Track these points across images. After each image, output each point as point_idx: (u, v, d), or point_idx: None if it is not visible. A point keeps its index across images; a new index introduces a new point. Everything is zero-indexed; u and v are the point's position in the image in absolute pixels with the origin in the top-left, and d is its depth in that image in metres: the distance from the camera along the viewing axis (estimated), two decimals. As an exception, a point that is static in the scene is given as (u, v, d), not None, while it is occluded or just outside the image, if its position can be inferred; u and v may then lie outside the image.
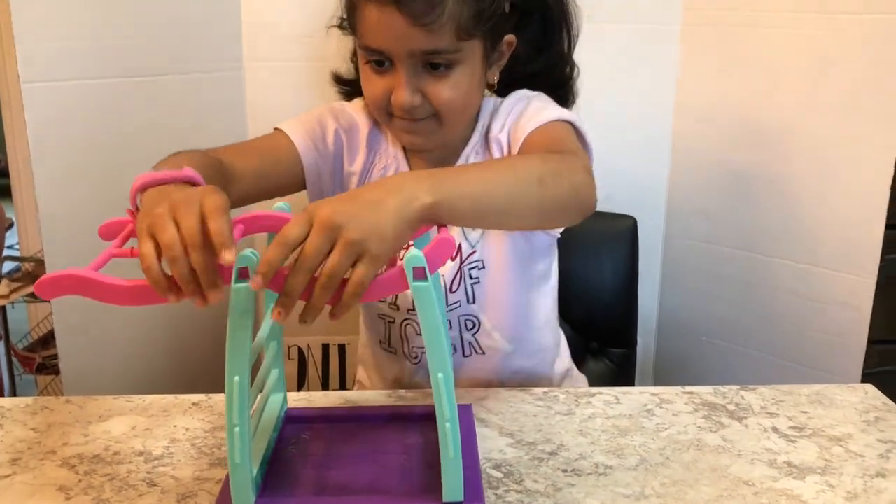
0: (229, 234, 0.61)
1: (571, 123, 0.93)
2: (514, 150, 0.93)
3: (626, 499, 0.73)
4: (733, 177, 1.31)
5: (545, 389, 0.94)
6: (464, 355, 1.02)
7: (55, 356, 1.21)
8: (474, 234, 0.99)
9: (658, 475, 0.76)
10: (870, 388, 0.95)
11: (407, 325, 1.03)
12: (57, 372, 1.23)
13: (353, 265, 0.62)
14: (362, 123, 1.02)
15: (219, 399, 0.91)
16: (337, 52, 1.29)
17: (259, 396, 0.76)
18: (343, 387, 1.42)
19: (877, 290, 1.18)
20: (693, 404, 0.90)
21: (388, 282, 0.64)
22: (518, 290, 1.02)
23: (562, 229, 1.02)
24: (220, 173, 0.84)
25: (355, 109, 1.04)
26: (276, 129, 1.00)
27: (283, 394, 0.83)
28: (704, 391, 0.93)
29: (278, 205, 0.76)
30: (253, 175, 0.92)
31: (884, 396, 0.93)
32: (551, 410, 0.89)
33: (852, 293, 1.19)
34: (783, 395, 0.92)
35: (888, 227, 1.15)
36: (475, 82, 0.93)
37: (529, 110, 0.95)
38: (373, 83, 0.93)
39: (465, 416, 0.82)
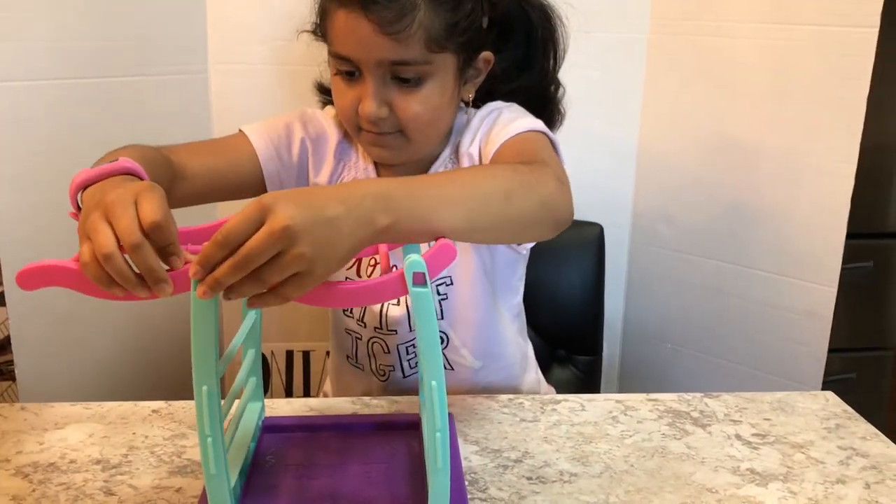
0: (174, 238, 0.59)
1: (544, 134, 0.91)
2: (485, 163, 0.91)
3: (590, 506, 0.72)
4: (699, 185, 1.32)
5: (511, 396, 0.94)
6: None
7: (11, 362, 1.18)
8: None
9: (622, 482, 0.76)
10: (830, 395, 0.96)
11: (374, 342, 1.01)
12: (13, 378, 1.20)
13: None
14: (332, 133, 1.00)
15: (179, 406, 0.90)
16: (304, 56, 1.28)
17: (235, 404, 0.75)
18: (307, 394, 1.41)
19: (837, 298, 1.19)
20: (657, 411, 0.91)
21: (387, 286, 0.63)
22: (485, 305, 1.01)
23: (531, 245, 1.01)
24: (167, 169, 0.82)
25: (326, 118, 1.02)
26: (240, 130, 0.98)
27: (261, 402, 0.82)
28: (669, 398, 0.94)
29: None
30: (206, 174, 0.90)
31: (844, 404, 0.94)
32: (516, 418, 0.89)
33: (814, 302, 1.21)
34: (746, 403, 0.93)
35: (849, 236, 1.16)
36: (446, 98, 0.91)
37: (500, 121, 0.93)
38: (342, 94, 0.91)
39: (449, 425, 0.82)
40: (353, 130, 0.93)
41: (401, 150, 0.92)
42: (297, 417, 0.87)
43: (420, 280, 0.62)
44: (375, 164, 0.99)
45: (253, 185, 0.96)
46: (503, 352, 1.04)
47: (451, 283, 0.98)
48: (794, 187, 1.21)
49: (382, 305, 0.99)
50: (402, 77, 0.87)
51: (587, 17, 1.07)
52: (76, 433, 0.84)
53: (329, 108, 1.04)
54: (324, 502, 0.70)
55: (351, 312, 1.02)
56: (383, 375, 1.02)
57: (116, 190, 0.62)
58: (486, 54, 0.93)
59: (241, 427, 0.76)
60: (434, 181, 0.71)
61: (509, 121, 0.92)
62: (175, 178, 0.83)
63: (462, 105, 0.96)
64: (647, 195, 1.38)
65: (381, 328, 1.00)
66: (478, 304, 1.00)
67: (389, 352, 1.00)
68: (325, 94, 1.05)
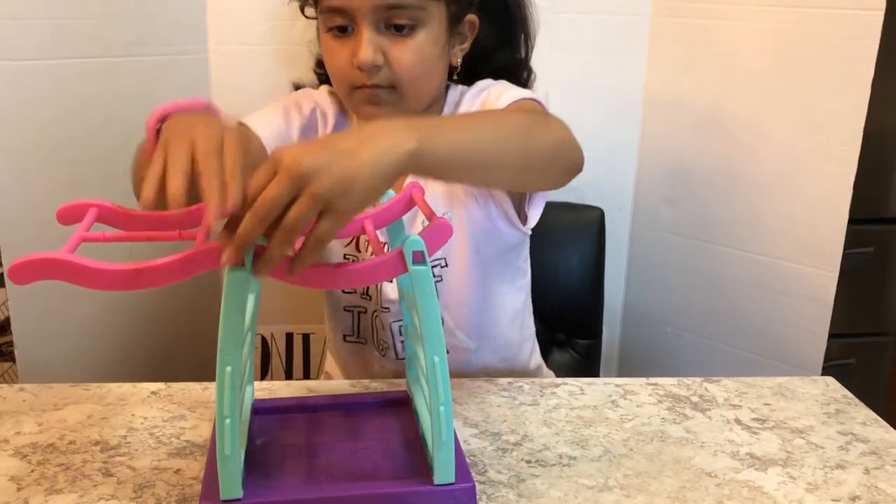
0: (239, 172, 0.58)
1: (538, 102, 0.92)
2: None
3: (589, 490, 0.72)
4: (700, 169, 1.31)
5: (510, 380, 0.93)
6: None
7: (10, 343, 1.18)
8: None
9: (621, 466, 0.76)
10: (831, 380, 0.96)
11: (377, 316, 1.01)
12: (12, 359, 1.20)
13: (318, 217, 0.58)
14: (329, 113, 1.01)
15: (178, 388, 0.90)
16: (303, 36, 1.27)
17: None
18: (307, 377, 1.41)
19: (838, 284, 1.19)
20: (657, 396, 0.90)
21: (386, 266, 0.63)
22: (482, 288, 1.00)
23: (532, 224, 0.99)
24: None
25: (322, 96, 1.02)
26: (240, 123, 0.95)
27: (252, 386, 0.82)
28: (668, 382, 0.94)
29: None
30: None
31: (844, 389, 0.94)
32: (516, 401, 0.89)
33: (815, 287, 1.21)
34: (746, 387, 0.93)
35: (851, 221, 1.16)
36: (437, 51, 0.92)
37: (493, 93, 0.95)
38: (335, 52, 0.91)
39: None
40: (346, 91, 0.93)
41: (394, 107, 0.92)
42: (284, 399, 0.86)
43: (419, 258, 0.62)
44: None
45: None
46: (499, 332, 1.04)
47: (446, 265, 0.97)
48: (796, 172, 1.20)
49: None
50: (396, 24, 0.88)
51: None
52: (75, 414, 0.84)
53: (323, 87, 1.03)
54: (330, 480, 0.71)
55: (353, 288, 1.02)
56: (383, 351, 1.02)
57: (207, 118, 0.64)
58: (472, 17, 0.95)
59: (243, 410, 0.76)
60: (453, 118, 0.76)
61: (502, 92, 0.94)
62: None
63: (452, 76, 0.98)
64: (648, 179, 1.37)
65: (387, 305, 1.00)
66: (474, 285, 1.00)
67: (384, 328, 1.01)
68: (323, 69, 1.04)
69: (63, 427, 0.81)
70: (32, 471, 0.73)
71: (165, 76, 1.24)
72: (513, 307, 1.05)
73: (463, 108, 0.97)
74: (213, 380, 0.90)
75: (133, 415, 0.84)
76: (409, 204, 0.76)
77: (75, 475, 0.73)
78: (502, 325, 1.04)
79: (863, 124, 1.12)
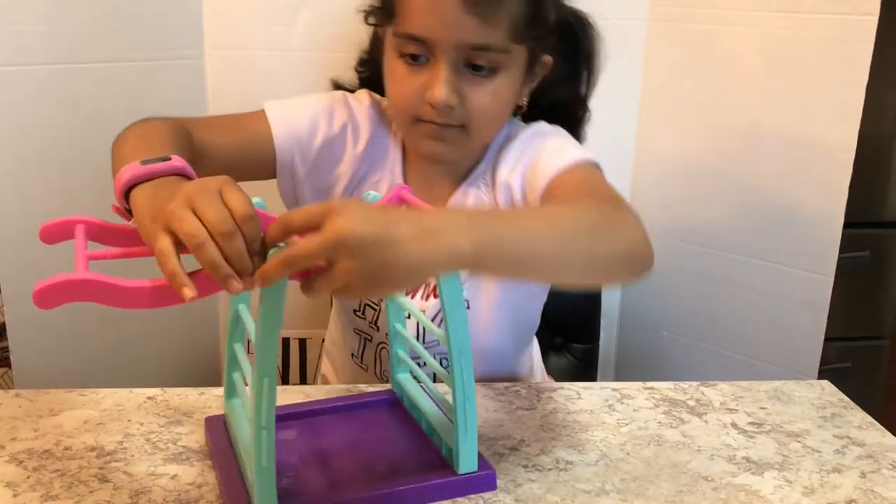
0: (260, 235, 0.57)
1: (596, 165, 0.87)
2: (533, 198, 0.87)
3: (586, 494, 0.72)
4: (696, 174, 1.31)
5: (507, 384, 0.93)
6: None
7: (6, 349, 1.18)
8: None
9: (618, 471, 0.76)
10: (826, 384, 0.96)
11: (383, 348, 1.00)
12: (8, 365, 1.20)
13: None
14: (363, 129, 0.94)
15: (174, 393, 0.89)
16: (300, 41, 1.27)
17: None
18: (304, 381, 1.41)
19: (834, 287, 1.19)
20: (654, 400, 0.91)
21: None
22: (502, 335, 0.98)
23: None
24: (189, 148, 0.78)
25: (359, 110, 0.95)
26: (263, 109, 0.93)
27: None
28: (665, 387, 0.94)
29: (255, 199, 0.72)
30: (226, 153, 0.86)
31: (840, 393, 0.94)
32: (512, 405, 0.88)
33: (811, 290, 1.21)
34: (742, 391, 0.93)
35: (846, 225, 1.16)
36: (512, 95, 0.88)
37: (546, 151, 0.88)
38: (404, 79, 0.85)
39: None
40: (407, 121, 0.87)
41: (458, 146, 0.88)
42: (286, 406, 0.85)
43: None
44: (403, 168, 0.95)
45: (270, 169, 0.92)
46: (507, 371, 1.02)
47: (468, 308, 0.93)
48: (792, 176, 1.21)
49: None
50: (476, 64, 0.83)
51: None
52: (71, 420, 0.83)
53: (362, 95, 0.97)
54: (349, 481, 0.72)
55: (363, 314, 1.00)
56: (387, 381, 1.00)
57: (197, 181, 0.60)
58: (547, 58, 0.91)
59: None
60: (516, 213, 0.69)
61: (557, 150, 0.88)
62: (196, 156, 0.78)
63: (515, 113, 0.93)
64: (644, 183, 1.37)
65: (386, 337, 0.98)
66: (494, 332, 0.97)
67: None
68: (367, 69, 1.01)
69: (59, 433, 0.81)
70: (28, 477, 0.73)
71: (162, 81, 1.24)
72: (528, 353, 1.05)
73: (508, 160, 0.91)
74: (210, 385, 0.91)
75: (129, 420, 0.84)
76: (400, 204, 0.76)
77: (71, 481, 0.73)
78: (510, 365, 1.02)
79: (858, 128, 1.12)
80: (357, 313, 1.00)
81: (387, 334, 0.96)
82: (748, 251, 1.28)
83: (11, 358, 1.18)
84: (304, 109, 0.94)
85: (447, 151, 0.89)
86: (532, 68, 0.89)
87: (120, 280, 0.58)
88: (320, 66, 1.28)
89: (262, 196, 0.67)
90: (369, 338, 1.01)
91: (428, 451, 0.76)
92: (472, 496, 0.72)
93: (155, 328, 1.32)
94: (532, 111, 0.96)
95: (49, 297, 0.56)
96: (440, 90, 0.82)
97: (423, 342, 0.97)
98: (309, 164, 0.93)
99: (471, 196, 0.94)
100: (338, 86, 1.02)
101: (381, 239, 0.55)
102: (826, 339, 1.22)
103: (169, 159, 0.68)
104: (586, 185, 0.83)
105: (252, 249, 0.56)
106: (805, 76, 1.16)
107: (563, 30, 0.92)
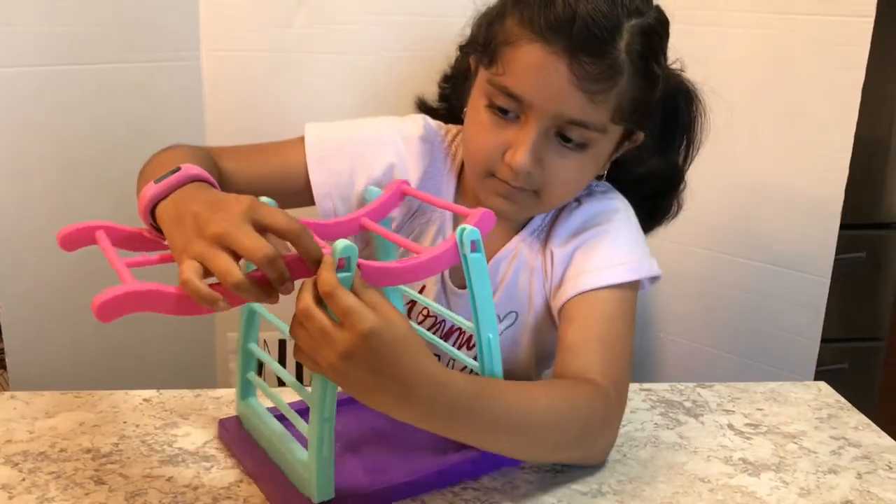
0: (318, 248, 0.61)
1: (629, 287, 0.84)
2: (556, 299, 0.85)
3: (583, 496, 0.72)
4: (692, 174, 1.31)
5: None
6: None
7: (1, 350, 1.18)
8: (499, 325, 0.89)
9: (615, 472, 0.76)
10: (823, 385, 0.96)
11: None
12: (3, 367, 1.20)
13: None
14: (413, 167, 0.89)
15: (170, 395, 0.89)
16: (297, 43, 1.27)
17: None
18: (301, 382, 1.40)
19: (830, 289, 1.19)
20: (650, 401, 0.91)
21: (443, 258, 0.68)
22: (519, 365, 0.95)
23: None
24: (212, 171, 0.74)
25: (409, 149, 0.89)
26: (301, 138, 0.88)
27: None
28: (661, 388, 0.94)
29: (265, 199, 0.70)
30: (254, 184, 0.84)
31: (836, 394, 0.94)
32: (509, 407, 0.88)
33: (807, 292, 1.21)
34: (739, 393, 0.93)
35: (843, 226, 1.16)
36: (596, 169, 0.84)
37: (595, 255, 0.85)
38: (488, 132, 0.80)
39: None
40: (480, 173, 0.82)
41: (527, 209, 0.85)
42: (293, 403, 0.83)
43: (474, 247, 0.69)
44: (454, 219, 0.90)
45: (303, 201, 0.89)
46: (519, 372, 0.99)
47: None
48: (787, 177, 1.21)
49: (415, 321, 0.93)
50: (567, 136, 0.78)
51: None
52: (67, 422, 0.83)
53: (416, 122, 0.91)
54: (384, 465, 0.74)
55: None
56: None
57: (215, 217, 0.60)
58: (640, 135, 0.85)
59: None
60: (509, 403, 0.68)
61: (603, 264, 0.84)
62: (221, 185, 0.76)
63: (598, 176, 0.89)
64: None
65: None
66: (513, 362, 0.93)
67: None
68: (426, 111, 0.97)
69: (54, 435, 0.81)
70: (24, 479, 0.73)
71: (158, 82, 1.24)
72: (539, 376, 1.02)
73: (574, 221, 0.88)
74: (205, 387, 0.91)
75: (125, 422, 0.83)
76: (400, 197, 0.79)
77: (67, 483, 0.73)
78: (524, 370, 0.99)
79: (854, 130, 1.13)
80: None
81: None
82: (744, 252, 1.28)
83: (7, 360, 1.17)
84: (345, 149, 0.89)
85: (515, 212, 0.84)
86: (622, 144, 0.85)
87: (173, 288, 0.58)
88: (317, 68, 1.28)
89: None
90: None
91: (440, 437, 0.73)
92: (469, 499, 0.71)
93: (151, 331, 1.32)
94: (624, 180, 0.92)
95: (111, 309, 0.57)
96: (523, 156, 0.77)
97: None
98: (352, 207, 0.88)
99: (521, 254, 0.90)
100: (423, 103, 0.99)
101: (384, 376, 0.61)
102: (822, 341, 1.22)
103: (179, 169, 0.68)
104: (601, 336, 0.79)
105: (313, 259, 0.60)
106: (801, 77, 1.17)
107: (666, 101, 0.87)
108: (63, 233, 0.68)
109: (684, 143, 0.93)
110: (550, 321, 0.89)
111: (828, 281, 1.19)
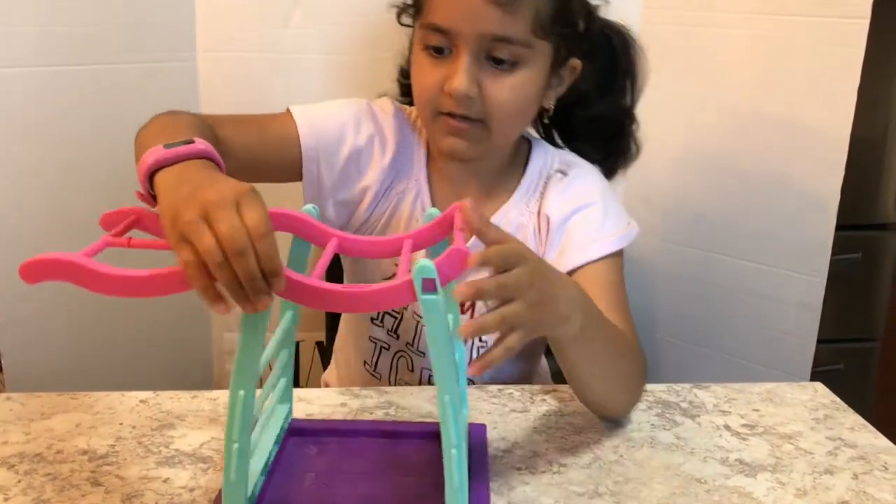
0: (278, 259, 0.56)
1: (620, 255, 0.92)
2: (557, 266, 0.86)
3: (579, 497, 0.72)
4: (689, 176, 1.32)
5: (500, 387, 0.93)
6: None
7: (-3, 351, 1.18)
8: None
9: (612, 473, 0.76)
10: (819, 386, 0.96)
11: (401, 357, 0.99)
12: (0, 368, 1.19)
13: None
14: (390, 138, 0.94)
15: (167, 396, 0.89)
16: (293, 43, 1.27)
17: (264, 406, 0.72)
18: (296, 385, 1.40)
19: (826, 289, 1.19)
20: (647, 402, 0.91)
21: (393, 293, 0.58)
22: (519, 359, 1.00)
23: None
24: (213, 141, 0.75)
25: (386, 121, 0.95)
26: (288, 110, 0.92)
27: (289, 404, 0.80)
28: (658, 389, 0.94)
29: (308, 206, 0.71)
30: (249, 152, 0.85)
31: (833, 394, 0.94)
32: (506, 408, 0.88)
33: (803, 293, 1.21)
34: (735, 393, 0.93)
35: (838, 227, 1.17)
36: (534, 92, 0.87)
37: (592, 218, 0.91)
38: (426, 72, 0.86)
39: (478, 436, 0.79)
40: (429, 115, 0.88)
41: (477, 144, 0.88)
42: (325, 422, 0.83)
43: (430, 287, 0.57)
44: (429, 179, 0.95)
45: (294, 172, 0.92)
46: (518, 372, 1.03)
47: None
48: (783, 178, 1.21)
49: (419, 323, 0.96)
50: (498, 57, 0.83)
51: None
52: (63, 423, 0.83)
53: (385, 102, 0.97)
54: None
55: (381, 322, 0.99)
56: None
57: (215, 187, 0.58)
58: (575, 61, 0.91)
59: (267, 430, 0.74)
60: (605, 328, 0.78)
61: (594, 236, 0.90)
62: (219, 152, 0.74)
63: (542, 118, 0.94)
64: (636, 187, 1.37)
65: (413, 346, 0.98)
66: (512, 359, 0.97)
67: (413, 370, 0.99)
68: (407, 78, 1.00)
69: (51, 436, 0.81)
70: (19, 481, 0.73)
71: (154, 83, 1.24)
72: (533, 366, 1.05)
73: (565, 189, 0.93)
74: (202, 388, 0.91)
75: (121, 424, 0.83)
76: (451, 226, 0.70)
77: (63, 485, 0.72)
78: (518, 378, 1.02)
79: (849, 131, 1.13)
80: (375, 322, 0.99)
81: (407, 343, 0.97)
82: (741, 253, 1.28)
83: (3, 361, 1.17)
84: (331, 116, 0.93)
85: (466, 149, 0.88)
86: (558, 70, 0.89)
87: (107, 267, 0.57)
88: (313, 68, 1.28)
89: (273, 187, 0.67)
90: (386, 346, 1.00)
91: (440, 496, 0.66)
92: None
93: (147, 332, 1.32)
94: (575, 124, 0.97)
95: (34, 272, 0.57)
96: (459, 79, 0.82)
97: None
98: (335, 175, 0.93)
99: (512, 220, 0.94)
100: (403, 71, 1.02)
101: (545, 280, 0.66)
102: (818, 341, 1.22)
103: (192, 142, 0.67)
104: (606, 301, 0.84)
105: (267, 269, 0.55)
106: (797, 79, 1.17)
107: (599, 42, 0.93)
108: (105, 215, 0.67)
109: (628, 84, 0.98)
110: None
111: (824, 281, 1.19)
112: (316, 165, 0.92)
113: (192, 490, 0.72)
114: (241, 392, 0.60)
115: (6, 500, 0.70)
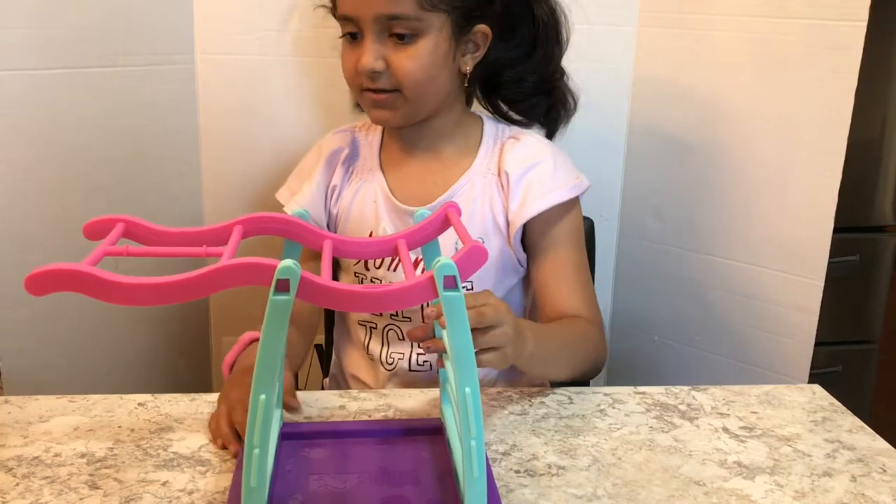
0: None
1: (577, 198, 1.03)
2: (518, 217, 1.00)
3: (578, 499, 0.72)
4: (686, 179, 1.32)
5: (499, 389, 0.93)
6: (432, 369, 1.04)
7: (-5, 355, 1.17)
8: None
9: (610, 475, 0.76)
10: (817, 388, 0.96)
11: (389, 330, 1.04)
12: (-3, 371, 1.19)
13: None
14: (344, 151, 1.07)
15: (165, 399, 0.89)
16: (291, 46, 1.27)
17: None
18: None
19: (824, 292, 1.19)
20: (645, 404, 0.91)
21: (415, 291, 0.60)
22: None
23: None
24: None
25: (334, 140, 1.09)
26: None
27: (280, 409, 0.80)
28: (656, 391, 0.94)
29: (298, 210, 0.75)
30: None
31: (830, 397, 0.94)
32: (504, 410, 0.89)
33: (801, 295, 1.21)
34: (733, 396, 0.93)
35: (836, 230, 1.17)
36: (438, 59, 0.96)
37: (543, 179, 1.01)
38: (346, 56, 0.98)
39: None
40: (356, 93, 1.00)
41: (398, 112, 0.98)
42: (316, 424, 0.84)
43: (451, 283, 0.59)
44: (382, 169, 1.06)
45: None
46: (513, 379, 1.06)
47: (471, 289, 1.01)
48: (781, 181, 1.21)
49: None
50: (397, 33, 0.93)
51: (575, 9, 1.07)
52: (61, 426, 0.83)
53: (329, 137, 1.10)
54: None
55: None
56: (391, 365, 1.03)
57: (232, 399, 0.82)
58: (483, 27, 0.98)
59: (271, 434, 0.74)
60: (545, 334, 0.93)
61: (550, 186, 1.01)
62: None
63: (466, 83, 1.01)
64: (634, 189, 1.38)
65: (397, 315, 1.03)
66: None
67: (403, 338, 1.03)
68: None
69: (49, 439, 0.81)
70: (17, 484, 0.73)
71: (152, 86, 1.24)
72: None
73: (507, 156, 1.02)
74: (201, 391, 0.91)
75: (120, 427, 0.83)
76: (445, 224, 0.73)
77: (61, 488, 0.72)
78: None
79: (847, 133, 1.13)
80: None
81: (392, 316, 1.03)
82: (738, 256, 1.28)
83: (1, 364, 1.17)
84: (306, 177, 1.08)
85: (392, 117, 0.99)
86: (464, 36, 0.97)
87: (116, 276, 0.57)
88: (311, 71, 1.28)
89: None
90: (374, 325, 1.05)
91: (450, 491, 0.70)
92: None
93: (146, 335, 1.32)
94: (509, 86, 1.06)
95: (41, 284, 0.57)
96: (366, 58, 0.94)
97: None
98: (319, 214, 1.08)
99: (476, 184, 1.03)
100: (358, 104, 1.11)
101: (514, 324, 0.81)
102: (816, 344, 1.22)
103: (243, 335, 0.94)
104: (565, 270, 1.02)
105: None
106: (794, 81, 1.17)
107: (514, 6, 1.01)
108: (88, 223, 0.68)
109: (555, 43, 1.05)
110: (504, 234, 1.03)
111: (821, 284, 1.19)
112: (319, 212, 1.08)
113: (190, 493, 0.72)
114: (263, 396, 0.59)
115: (4, 503, 0.70)
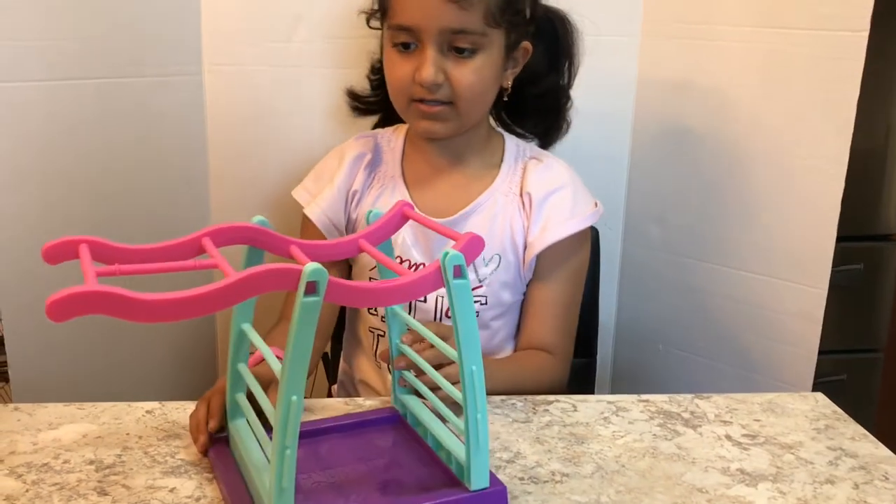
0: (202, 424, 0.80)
1: (586, 233, 1.05)
2: (534, 245, 1.02)
3: (581, 506, 0.73)
4: (690, 188, 1.32)
5: (503, 397, 0.94)
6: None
7: (4, 363, 1.18)
8: (485, 270, 1.03)
9: (613, 483, 0.77)
10: (820, 396, 0.97)
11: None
12: (6, 379, 1.20)
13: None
14: (366, 157, 1.08)
15: (172, 406, 0.90)
16: (298, 57, 1.28)
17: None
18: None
19: (828, 300, 1.20)
20: (648, 412, 0.91)
21: (425, 282, 0.65)
22: (504, 336, 1.07)
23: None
24: None
25: (356, 147, 1.09)
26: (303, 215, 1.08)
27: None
28: (660, 399, 0.94)
29: (257, 218, 0.74)
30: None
31: (834, 405, 0.95)
32: (508, 418, 0.89)
33: (805, 304, 1.21)
34: (737, 404, 0.94)
35: (839, 238, 1.17)
36: (494, 73, 0.98)
37: (562, 209, 1.03)
38: (398, 66, 0.97)
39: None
40: (404, 103, 0.99)
41: (449, 123, 0.98)
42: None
43: (458, 273, 0.65)
44: (404, 178, 1.06)
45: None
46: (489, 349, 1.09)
47: (486, 304, 1.04)
48: (784, 190, 1.22)
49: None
50: (459, 47, 0.94)
51: (578, 19, 1.08)
52: (70, 433, 0.84)
53: (351, 142, 1.10)
54: (365, 499, 0.70)
55: (376, 311, 1.06)
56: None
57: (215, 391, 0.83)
58: (526, 44, 1.01)
59: None
60: (502, 368, 0.99)
61: (568, 215, 1.02)
62: None
63: (503, 97, 1.03)
64: (639, 198, 1.38)
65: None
66: (499, 331, 1.07)
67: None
68: (355, 99, 1.14)
69: (58, 446, 0.81)
70: (27, 490, 0.74)
71: (160, 97, 1.25)
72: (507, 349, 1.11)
73: (536, 178, 1.04)
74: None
75: (128, 434, 0.84)
76: (402, 220, 0.78)
77: (70, 494, 0.73)
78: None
79: (850, 142, 1.13)
80: (371, 311, 1.07)
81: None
82: (742, 265, 1.28)
83: (10, 372, 1.18)
84: (315, 177, 1.10)
85: (440, 128, 0.99)
86: (512, 52, 0.99)
87: (139, 294, 0.57)
88: (318, 81, 1.29)
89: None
90: (382, 333, 1.06)
91: (437, 468, 0.75)
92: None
93: (154, 343, 1.32)
94: (525, 101, 1.07)
95: (62, 309, 0.56)
96: (427, 70, 0.93)
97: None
98: (339, 218, 1.09)
99: (498, 201, 1.04)
100: (352, 93, 1.14)
101: None
102: (820, 353, 1.22)
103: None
104: (556, 302, 1.05)
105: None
106: (797, 91, 1.18)
107: (544, 26, 1.04)
108: (46, 246, 0.67)
109: (567, 64, 1.08)
110: (522, 270, 1.04)
111: (825, 293, 1.20)
112: (326, 217, 1.08)
113: (197, 500, 0.73)
114: (294, 397, 0.61)
115: (14, 509, 0.71)
